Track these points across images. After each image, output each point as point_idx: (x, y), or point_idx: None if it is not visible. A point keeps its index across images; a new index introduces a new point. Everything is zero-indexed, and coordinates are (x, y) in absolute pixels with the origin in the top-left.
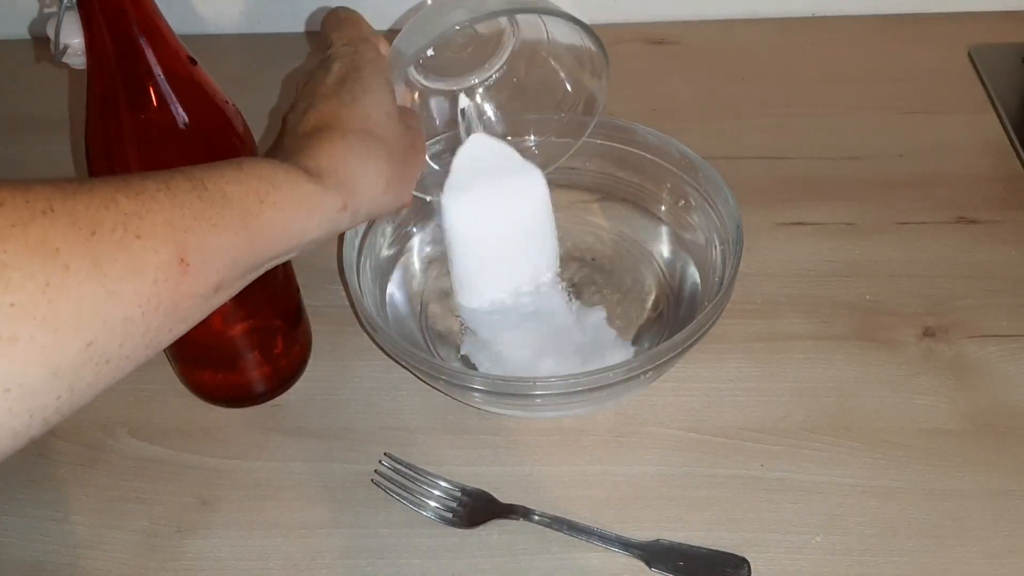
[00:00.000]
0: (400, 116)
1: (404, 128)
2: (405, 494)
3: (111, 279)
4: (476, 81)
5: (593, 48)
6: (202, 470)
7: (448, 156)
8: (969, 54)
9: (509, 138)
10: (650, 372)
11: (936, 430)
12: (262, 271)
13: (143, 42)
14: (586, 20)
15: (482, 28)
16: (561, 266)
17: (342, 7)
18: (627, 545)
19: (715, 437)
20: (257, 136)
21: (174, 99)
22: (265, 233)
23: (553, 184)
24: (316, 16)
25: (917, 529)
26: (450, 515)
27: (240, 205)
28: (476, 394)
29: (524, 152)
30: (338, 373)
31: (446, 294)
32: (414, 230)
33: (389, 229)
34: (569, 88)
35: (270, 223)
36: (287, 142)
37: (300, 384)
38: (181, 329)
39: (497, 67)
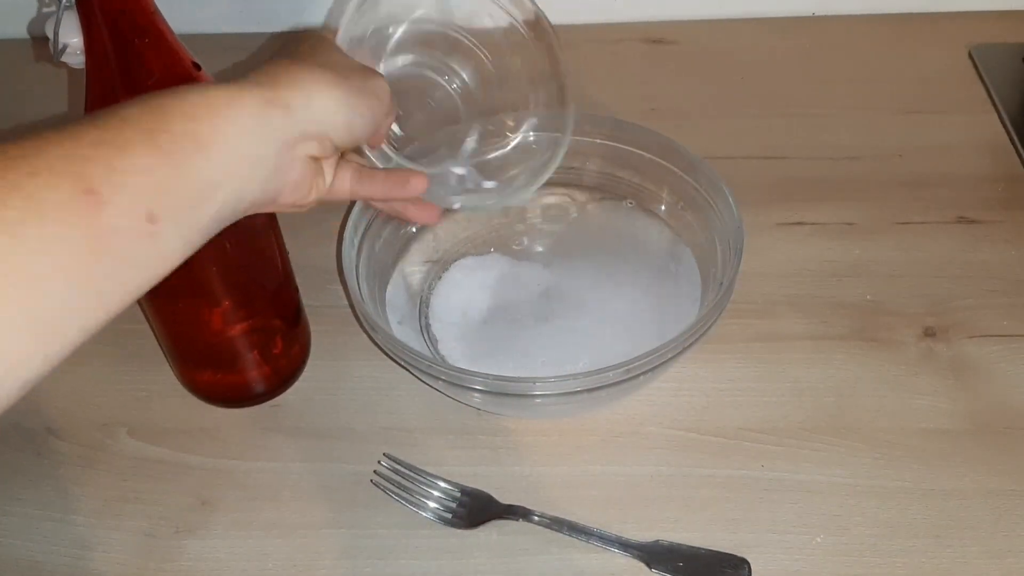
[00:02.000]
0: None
1: (360, 65)
2: (405, 494)
3: (8, 224)
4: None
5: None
6: (201, 470)
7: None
8: (969, 54)
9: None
10: (649, 372)
11: (936, 430)
12: (233, 211)
13: (142, 42)
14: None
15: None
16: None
17: None
18: (627, 546)
19: (715, 437)
20: None
21: None
22: (182, 145)
23: (553, 184)
24: (316, 16)
25: (917, 529)
26: (450, 516)
27: (142, 123)
28: (475, 394)
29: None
30: (337, 373)
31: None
32: (413, 230)
33: (388, 229)
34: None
35: (183, 134)
36: None
37: (299, 384)
38: (134, 277)
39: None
